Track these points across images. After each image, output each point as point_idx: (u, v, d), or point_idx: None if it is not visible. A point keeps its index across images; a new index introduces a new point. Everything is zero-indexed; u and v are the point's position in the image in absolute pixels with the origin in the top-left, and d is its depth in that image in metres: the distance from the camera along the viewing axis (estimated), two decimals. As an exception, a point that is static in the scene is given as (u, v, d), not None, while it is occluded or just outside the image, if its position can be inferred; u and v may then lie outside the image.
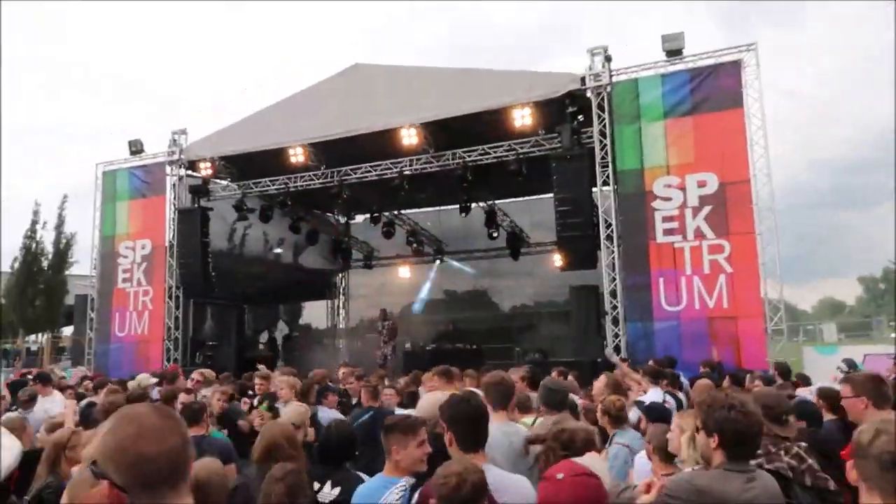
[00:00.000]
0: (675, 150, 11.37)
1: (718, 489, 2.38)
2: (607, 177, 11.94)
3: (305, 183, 15.41)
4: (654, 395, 6.10)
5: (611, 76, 11.88)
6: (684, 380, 7.49)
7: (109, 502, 1.26)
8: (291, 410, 5.18)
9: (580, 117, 12.32)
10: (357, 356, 19.61)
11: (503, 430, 3.50)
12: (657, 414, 4.63)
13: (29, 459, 3.82)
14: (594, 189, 12.21)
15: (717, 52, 11.43)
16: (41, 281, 29.00)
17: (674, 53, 11.60)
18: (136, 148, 16.50)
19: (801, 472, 2.91)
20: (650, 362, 8.76)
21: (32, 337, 29.77)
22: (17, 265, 29.23)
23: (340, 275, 23.69)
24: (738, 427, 2.47)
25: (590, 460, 2.72)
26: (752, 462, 2.65)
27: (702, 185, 11.09)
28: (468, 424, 2.89)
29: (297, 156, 14.43)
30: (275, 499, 2.65)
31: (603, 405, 4.62)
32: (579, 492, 2.10)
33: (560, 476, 2.09)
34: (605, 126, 11.92)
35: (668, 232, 11.27)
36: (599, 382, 5.55)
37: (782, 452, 2.97)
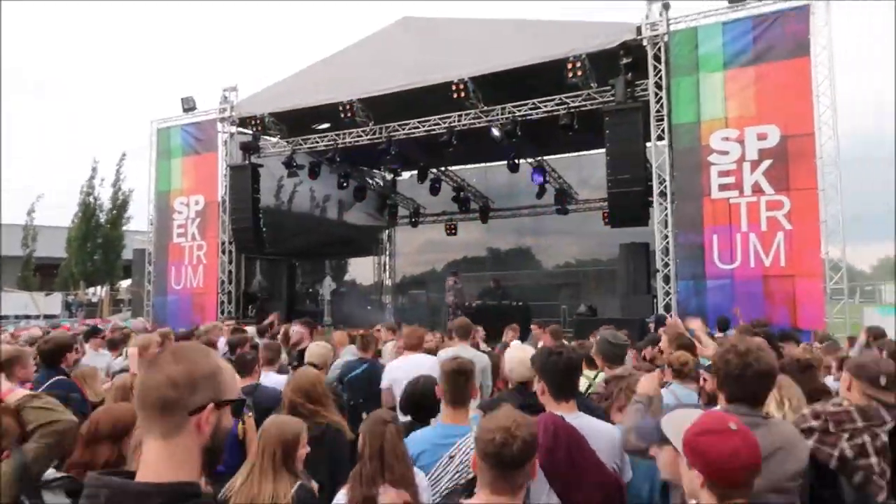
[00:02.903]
0: (734, 101, 10.93)
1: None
2: (662, 131, 11.60)
3: (354, 139, 15.42)
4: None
5: (668, 25, 11.43)
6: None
7: None
8: (313, 350, 5.25)
9: (634, 69, 11.92)
10: (401, 312, 19.86)
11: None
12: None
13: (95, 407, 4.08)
14: (647, 144, 11.90)
15: (784, -4, 10.83)
16: (100, 235, 30.08)
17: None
18: (188, 105, 16.72)
19: (852, 468, 2.63)
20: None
21: (92, 290, 30.99)
22: (76, 220, 30.32)
23: (386, 231, 23.85)
24: (729, 368, 2.39)
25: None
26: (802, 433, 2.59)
27: (762, 137, 10.67)
28: (559, 375, 2.91)
29: (346, 112, 14.41)
30: (388, 443, 2.69)
31: (668, 359, 4.54)
32: (754, 446, 1.83)
33: (734, 426, 1.88)
34: (660, 78, 11.53)
35: (723, 187, 10.93)
36: (666, 336, 5.38)
37: (845, 436, 2.67)
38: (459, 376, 3.24)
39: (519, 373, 3.59)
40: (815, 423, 2.73)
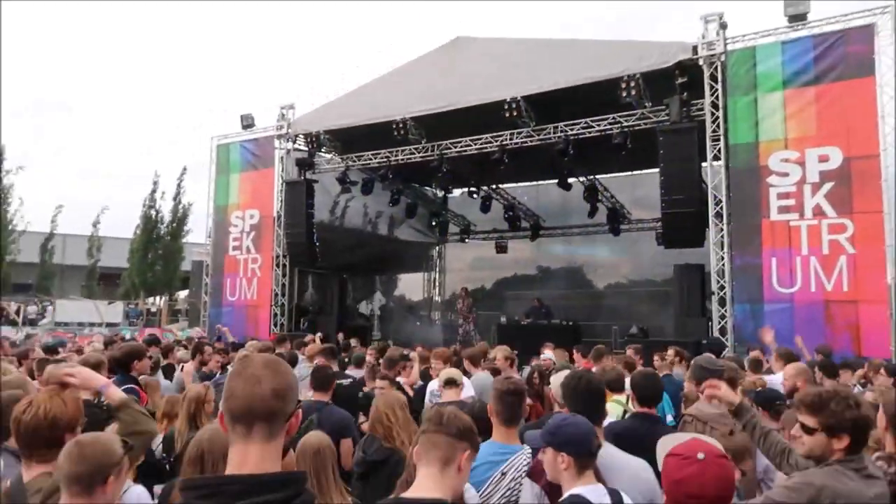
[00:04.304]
0: (794, 122, 10.68)
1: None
2: (718, 151, 11.41)
3: (406, 157, 15.64)
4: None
5: (725, 44, 11.27)
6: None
7: (221, 424, 1.49)
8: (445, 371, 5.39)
9: (689, 89, 11.78)
10: (450, 329, 19.90)
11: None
12: (761, 398, 4.27)
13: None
14: (703, 164, 11.71)
15: (847, 15, 10.52)
16: (160, 247, 31.20)
17: (797, 18, 10.83)
18: (247, 122, 17.28)
19: None
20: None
21: (151, 299, 32.06)
22: (138, 232, 31.53)
23: (437, 248, 24.01)
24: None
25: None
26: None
27: (823, 159, 10.37)
28: (580, 401, 2.97)
29: (399, 129, 14.65)
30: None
31: (743, 385, 4.42)
32: (723, 474, 1.93)
33: (701, 456, 1.92)
34: (717, 97, 11.37)
35: (783, 210, 10.65)
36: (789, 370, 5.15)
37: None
38: (513, 396, 3.29)
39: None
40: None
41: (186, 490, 1.37)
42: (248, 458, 1.42)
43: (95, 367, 4.01)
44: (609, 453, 2.79)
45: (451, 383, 4.94)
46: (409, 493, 2.14)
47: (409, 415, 4.01)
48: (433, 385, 5.90)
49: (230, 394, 1.45)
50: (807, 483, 2.40)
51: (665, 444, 2.28)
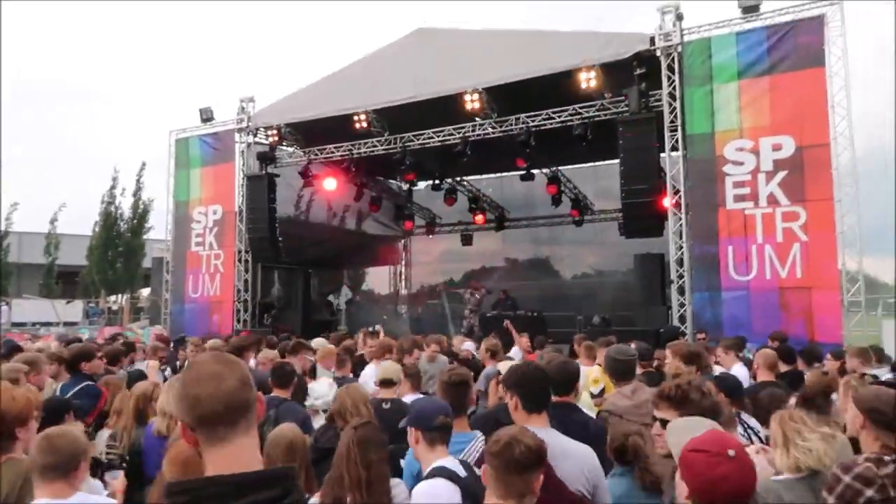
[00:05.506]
0: (749, 112, 10.86)
1: None
2: (676, 141, 11.56)
3: (369, 149, 15.54)
4: (738, 371, 5.85)
5: (682, 35, 11.40)
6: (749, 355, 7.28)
7: (186, 440, 1.43)
8: (384, 367, 5.28)
9: (648, 80, 11.90)
10: (417, 322, 19.88)
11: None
12: (728, 384, 4.23)
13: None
14: (662, 154, 11.86)
15: (798, 6, 10.72)
16: (121, 244, 30.55)
17: (750, 10, 11.00)
18: (206, 115, 16.96)
19: None
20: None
21: (113, 297, 31.43)
22: (97, 229, 30.82)
23: (403, 241, 23.94)
24: None
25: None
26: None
27: (777, 148, 10.58)
28: (529, 388, 2.99)
29: (361, 122, 14.54)
30: (345, 445, 2.70)
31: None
32: (753, 470, 1.87)
33: (732, 453, 1.82)
34: (674, 88, 11.51)
35: (738, 198, 10.85)
36: (672, 353, 5.25)
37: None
38: (459, 387, 3.33)
39: None
40: (870, 493, 2.31)
41: (177, 494, 1.31)
42: (240, 454, 1.38)
43: (32, 363, 4.04)
44: (557, 441, 2.81)
45: (387, 384, 4.83)
46: None
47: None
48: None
49: (195, 401, 1.39)
50: None
51: (679, 432, 2.19)
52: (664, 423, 2.53)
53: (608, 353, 4.41)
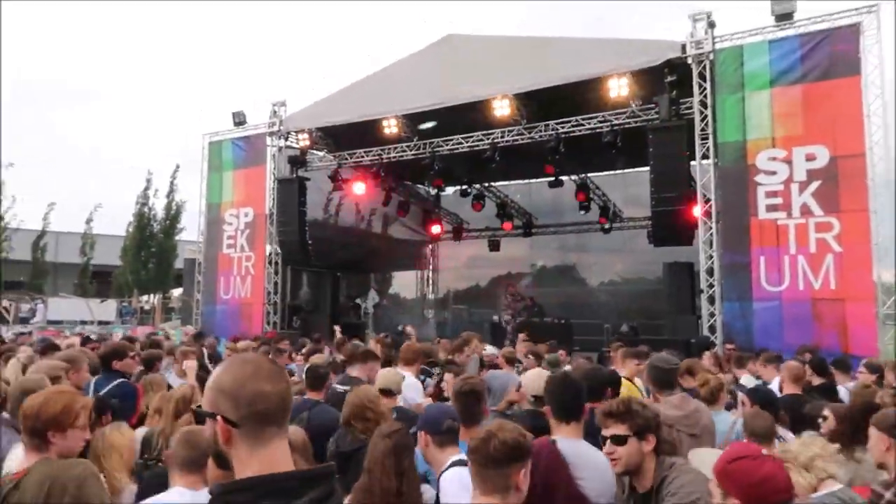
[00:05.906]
0: (781, 121, 10.72)
1: None
2: (707, 149, 11.46)
3: (398, 154, 15.66)
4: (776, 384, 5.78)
5: (714, 43, 11.31)
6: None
7: (222, 436, 1.38)
8: (383, 375, 5.27)
9: (678, 87, 11.82)
10: (443, 326, 19.94)
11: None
12: (761, 396, 4.26)
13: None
14: (692, 162, 11.77)
15: (833, 14, 10.56)
16: (153, 245, 31.11)
17: (784, 17, 10.87)
18: (239, 119, 17.24)
19: None
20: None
21: (145, 297, 31.98)
22: (131, 230, 31.43)
23: (430, 246, 24.02)
24: None
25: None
26: None
27: (811, 158, 10.43)
28: (557, 396, 3.05)
29: (391, 127, 14.67)
30: (378, 454, 2.73)
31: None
32: (786, 472, 1.99)
33: (766, 452, 1.96)
34: (705, 96, 11.42)
35: (771, 208, 10.70)
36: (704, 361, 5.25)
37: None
38: (470, 396, 3.37)
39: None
40: None
41: (236, 492, 1.31)
42: (281, 455, 1.39)
43: (72, 361, 4.11)
44: (585, 452, 2.85)
45: (387, 393, 4.51)
46: None
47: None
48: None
49: (257, 396, 1.37)
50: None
51: (703, 460, 2.25)
52: (615, 439, 2.60)
53: (651, 362, 4.32)
